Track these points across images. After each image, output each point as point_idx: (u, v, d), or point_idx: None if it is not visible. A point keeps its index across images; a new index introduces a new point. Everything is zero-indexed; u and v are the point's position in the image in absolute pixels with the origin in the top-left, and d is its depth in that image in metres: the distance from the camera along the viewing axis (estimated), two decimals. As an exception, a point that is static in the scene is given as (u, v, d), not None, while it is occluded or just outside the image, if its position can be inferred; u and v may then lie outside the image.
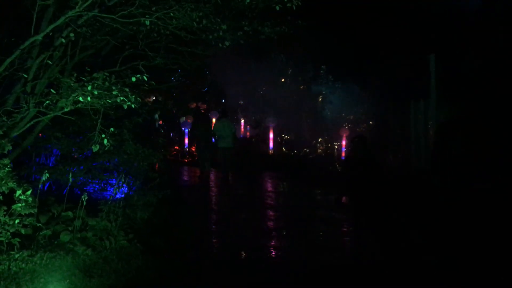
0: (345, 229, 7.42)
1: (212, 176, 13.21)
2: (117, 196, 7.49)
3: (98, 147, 5.04)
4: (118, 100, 4.69)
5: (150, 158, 7.35)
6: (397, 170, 12.17)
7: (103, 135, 5.05)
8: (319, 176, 12.16)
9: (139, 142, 7.32)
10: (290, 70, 17.25)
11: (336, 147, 16.75)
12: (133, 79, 4.95)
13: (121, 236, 5.91)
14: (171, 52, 7.81)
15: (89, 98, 4.59)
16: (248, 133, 18.97)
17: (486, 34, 10.08)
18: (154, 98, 19.50)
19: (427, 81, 11.68)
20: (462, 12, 10.58)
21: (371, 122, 16.27)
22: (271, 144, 16.52)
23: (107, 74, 4.79)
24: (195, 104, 20.24)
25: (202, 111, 19.80)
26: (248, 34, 8.09)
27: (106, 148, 5.12)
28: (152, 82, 5.74)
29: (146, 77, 4.93)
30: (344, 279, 5.33)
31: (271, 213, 8.73)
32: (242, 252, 6.33)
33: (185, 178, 13.50)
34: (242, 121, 19.02)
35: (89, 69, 5.52)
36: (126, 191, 7.78)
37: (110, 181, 7.38)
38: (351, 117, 16.77)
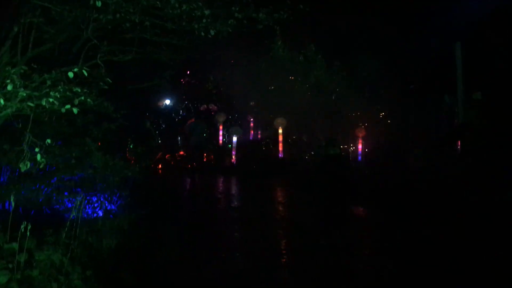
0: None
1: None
2: (94, 215, 6.37)
3: (29, 165, 3.85)
4: (43, 103, 3.49)
5: (123, 172, 6.09)
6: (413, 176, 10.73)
7: (37, 149, 3.88)
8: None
9: (110, 153, 6.10)
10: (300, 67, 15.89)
11: (352, 148, 15.38)
12: (71, 74, 3.74)
13: (76, 274, 4.71)
14: (148, 45, 6.62)
15: (2, 101, 3.39)
16: (259, 136, 17.82)
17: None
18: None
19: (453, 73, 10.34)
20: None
21: (389, 121, 14.87)
22: (280, 148, 15.15)
23: (25, 68, 3.61)
24: (205, 106, 19.15)
25: (212, 113, 18.66)
26: (241, 22, 6.90)
27: (41, 166, 3.92)
28: (108, 79, 4.56)
29: (86, 71, 3.71)
30: None
31: (268, 232, 7.00)
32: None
33: (180, 187, 11.87)
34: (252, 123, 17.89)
35: (35, 66, 4.43)
36: (109, 209, 6.63)
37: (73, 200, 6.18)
38: (368, 116, 15.36)
